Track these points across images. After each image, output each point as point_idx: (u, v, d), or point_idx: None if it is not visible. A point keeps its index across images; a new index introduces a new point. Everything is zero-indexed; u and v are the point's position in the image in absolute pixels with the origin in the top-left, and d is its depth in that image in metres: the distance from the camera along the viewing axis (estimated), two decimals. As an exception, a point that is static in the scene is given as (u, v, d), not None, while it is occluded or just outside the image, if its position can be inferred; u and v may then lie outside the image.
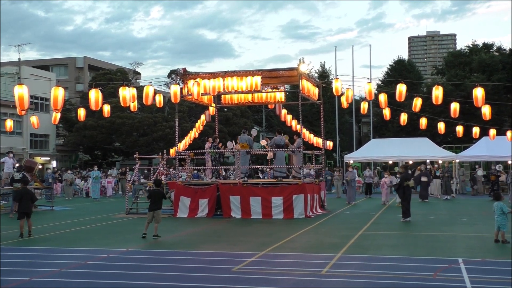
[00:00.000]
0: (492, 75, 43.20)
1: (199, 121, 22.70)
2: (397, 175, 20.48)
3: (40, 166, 30.76)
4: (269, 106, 24.78)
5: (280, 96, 21.05)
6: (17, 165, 20.98)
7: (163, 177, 19.35)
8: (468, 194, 29.00)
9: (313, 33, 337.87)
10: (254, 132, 20.50)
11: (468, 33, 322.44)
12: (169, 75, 50.53)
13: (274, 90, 20.74)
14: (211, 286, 7.60)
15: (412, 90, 28.97)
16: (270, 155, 20.20)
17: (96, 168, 30.67)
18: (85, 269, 8.88)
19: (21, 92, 14.35)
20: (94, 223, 15.97)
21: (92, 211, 20.37)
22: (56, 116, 20.00)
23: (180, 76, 19.24)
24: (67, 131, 47.94)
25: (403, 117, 21.74)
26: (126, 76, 48.45)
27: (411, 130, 36.69)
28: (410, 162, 30.29)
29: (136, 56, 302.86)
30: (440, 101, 17.81)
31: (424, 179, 24.26)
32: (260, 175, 31.45)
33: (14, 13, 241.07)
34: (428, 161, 29.71)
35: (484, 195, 27.09)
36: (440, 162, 29.27)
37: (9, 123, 23.61)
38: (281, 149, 18.47)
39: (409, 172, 18.12)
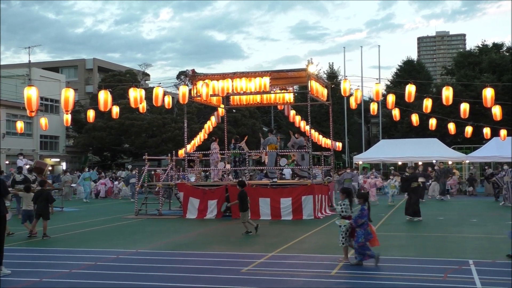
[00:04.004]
0: (502, 75, 42.82)
1: (208, 122, 22.73)
2: (406, 174, 20.46)
3: (50, 168, 30.91)
4: (278, 107, 24.77)
5: (289, 97, 21.04)
6: (27, 166, 20.98)
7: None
8: (480, 195, 28.74)
9: (322, 34, 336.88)
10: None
11: (478, 33, 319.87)
12: (178, 77, 50.79)
13: (283, 91, 20.73)
14: (220, 287, 7.60)
15: (421, 90, 28.81)
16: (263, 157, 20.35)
17: (87, 169, 30.79)
18: (95, 270, 8.92)
19: (31, 94, 14.44)
20: (103, 224, 16.03)
21: (101, 212, 20.45)
22: (68, 117, 20.11)
23: (189, 77, 19.28)
24: (77, 132, 48.23)
25: (415, 118, 21.63)
26: (135, 78, 48.63)
27: (421, 130, 36.49)
28: (420, 163, 30.18)
29: (145, 58, 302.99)
30: (450, 101, 17.74)
31: (421, 179, 24.25)
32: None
33: (24, 15, 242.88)
34: (435, 161, 29.58)
35: (492, 196, 26.75)
36: (450, 162, 29.11)
37: (19, 125, 23.84)
38: (303, 150, 18.40)
39: (418, 172, 18.07)
